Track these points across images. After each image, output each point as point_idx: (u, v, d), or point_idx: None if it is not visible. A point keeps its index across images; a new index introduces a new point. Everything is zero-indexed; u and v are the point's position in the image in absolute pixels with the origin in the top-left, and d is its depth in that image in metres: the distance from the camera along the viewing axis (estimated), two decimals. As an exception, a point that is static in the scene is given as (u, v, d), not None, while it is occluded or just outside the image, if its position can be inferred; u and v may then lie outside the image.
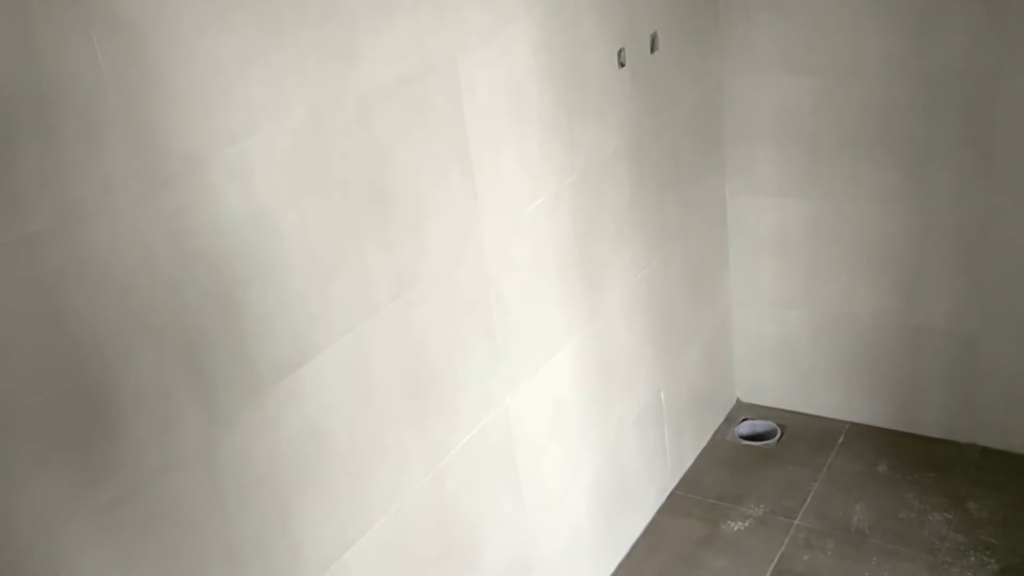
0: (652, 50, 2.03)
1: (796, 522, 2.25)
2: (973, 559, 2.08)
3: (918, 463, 2.38)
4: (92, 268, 1.03)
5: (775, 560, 2.15)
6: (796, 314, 2.51)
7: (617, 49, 1.91)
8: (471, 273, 1.60)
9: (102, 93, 1.01)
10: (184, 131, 1.10)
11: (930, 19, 2.06)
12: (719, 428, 2.62)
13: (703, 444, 2.55)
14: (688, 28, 2.17)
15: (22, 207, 0.96)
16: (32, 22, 0.94)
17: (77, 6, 0.98)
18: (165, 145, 1.08)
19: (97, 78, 1.00)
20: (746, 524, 2.27)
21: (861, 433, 2.52)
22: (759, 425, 2.61)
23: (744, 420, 2.63)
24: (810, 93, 2.26)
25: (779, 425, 2.59)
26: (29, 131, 0.96)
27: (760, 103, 2.33)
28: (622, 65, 1.93)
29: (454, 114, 1.51)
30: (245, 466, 1.23)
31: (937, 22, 2.06)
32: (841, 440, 2.51)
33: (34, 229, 0.97)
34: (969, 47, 2.04)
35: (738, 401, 2.71)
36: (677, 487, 2.41)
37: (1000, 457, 2.36)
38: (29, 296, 0.98)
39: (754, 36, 2.27)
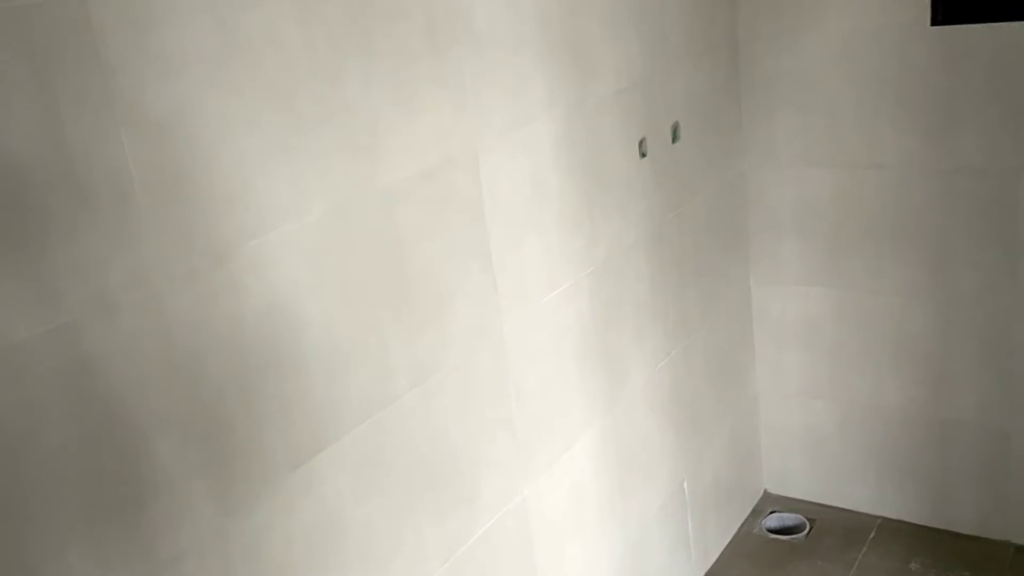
0: (674, 140, 2.06)
1: (825, 621, 2.19)
2: (1009, 664, 2.00)
3: (951, 561, 2.32)
4: (114, 358, 1.06)
5: (803, 661, 2.09)
6: (823, 404, 2.49)
7: (638, 140, 1.94)
8: (490, 364, 1.61)
9: (130, 191, 1.05)
10: (208, 227, 1.14)
11: (946, 119, 2.09)
12: (745, 521, 2.57)
13: (729, 537, 2.50)
14: (710, 119, 2.21)
15: (52, 299, 0.99)
16: (65, 124, 0.99)
17: (108, 109, 1.03)
18: (190, 240, 1.12)
19: (126, 177, 1.05)
20: (773, 622, 2.21)
21: (892, 529, 2.46)
22: (787, 518, 2.56)
23: (772, 512, 2.58)
24: (832, 186, 2.28)
25: (808, 519, 2.54)
26: (61, 227, 1.00)
27: (783, 194, 2.35)
28: (643, 155, 1.96)
29: (475, 208, 1.54)
30: (259, 555, 1.24)
31: (953, 122, 2.08)
32: (872, 535, 2.45)
33: (62, 321, 1.00)
34: (986, 147, 2.06)
35: (765, 493, 2.67)
36: (702, 582, 2.37)
37: (1035, 556, 2.29)
38: (53, 386, 1.01)
39: (776, 129, 2.31)
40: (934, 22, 2.05)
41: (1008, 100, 2.02)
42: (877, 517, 2.50)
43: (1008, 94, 2.01)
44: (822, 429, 2.52)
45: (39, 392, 0.99)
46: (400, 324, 1.42)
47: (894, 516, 2.48)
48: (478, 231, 1.56)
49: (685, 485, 2.26)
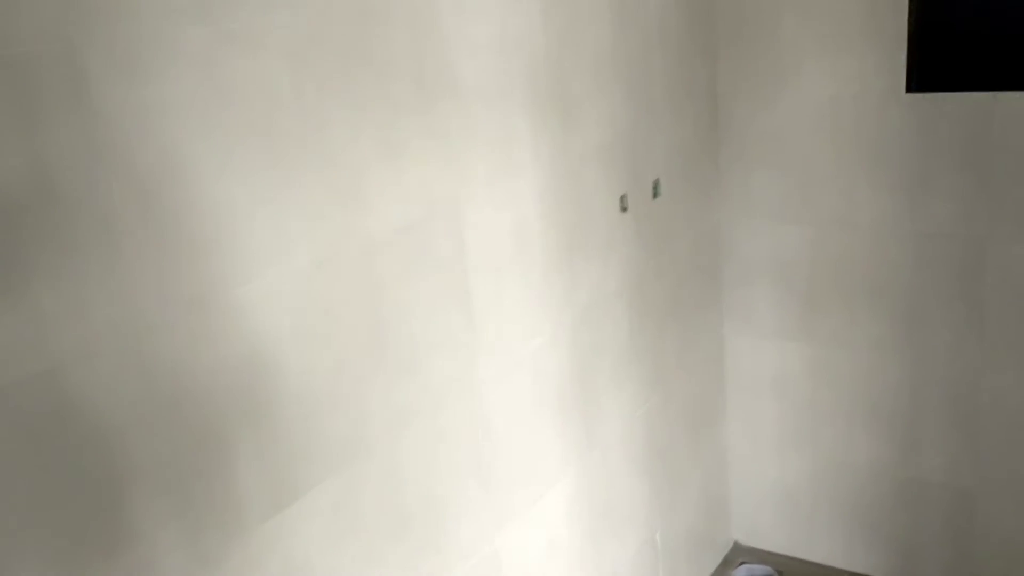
0: (654, 196, 2.09)
1: (791, 676, 2.20)
2: None
3: (917, 618, 2.33)
4: (93, 405, 1.06)
5: None
6: (795, 457, 2.51)
7: (620, 195, 1.97)
8: (467, 412, 1.62)
9: (117, 239, 1.06)
10: (193, 275, 1.15)
11: (919, 183, 2.14)
12: (715, 572, 2.58)
13: (699, 588, 2.51)
14: (689, 173, 2.25)
15: (33, 345, 0.99)
16: (54, 171, 1.00)
17: (98, 158, 1.03)
18: (174, 288, 1.12)
19: (114, 225, 1.05)
20: (740, 676, 2.21)
21: (860, 583, 2.48)
22: (757, 570, 2.57)
23: (741, 564, 2.59)
24: (806, 242, 2.32)
25: (777, 571, 2.54)
26: (46, 273, 1.00)
27: (758, 248, 2.39)
28: (624, 210, 1.99)
29: (457, 257, 1.56)
30: (228, 604, 1.23)
31: (927, 186, 2.13)
32: (840, 590, 2.47)
33: (43, 367, 1.00)
34: (958, 212, 2.11)
35: (735, 544, 2.68)
36: (670, 632, 2.36)
37: (1001, 616, 2.31)
38: (31, 431, 1.00)
39: (753, 185, 2.34)
40: (909, 89, 2.10)
41: (980, 168, 2.06)
42: (845, 571, 2.51)
43: (980, 162, 2.06)
44: (793, 482, 2.53)
45: (15, 437, 0.99)
46: (378, 372, 1.43)
47: (862, 571, 2.50)
48: (459, 280, 1.57)
49: (658, 536, 2.26)
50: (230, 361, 1.20)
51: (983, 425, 2.22)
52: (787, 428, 2.50)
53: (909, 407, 2.31)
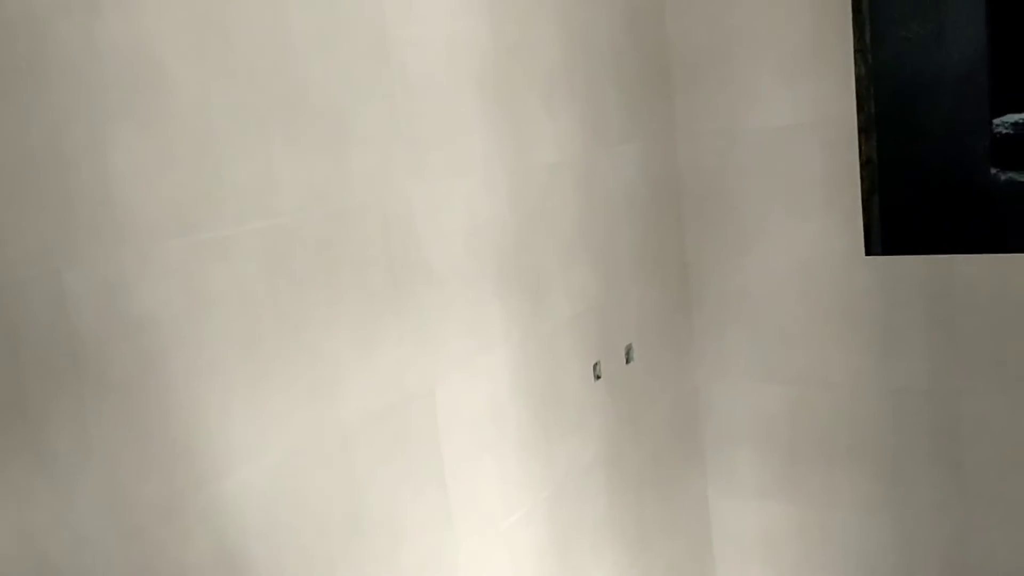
0: (627, 361, 2.12)
1: None
2: None
3: None
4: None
5: None
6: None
7: (593, 363, 1.99)
8: (445, 597, 1.58)
9: (87, 452, 1.06)
10: (161, 479, 1.14)
11: (890, 341, 2.18)
12: None
13: None
14: (663, 337, 2.28)
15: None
16: (30, 394, 1.01)
17: (76, 377, 1.05)
18: (142, 495, 1.12)
19: (85, 440, 1.06)
20: None
21: None
22: None
23: None
24: (784, 401, 2.33)
25: None
26: (10, 488, 0.99)
27: (737, 409, 2.40)
28: (598, 378, 2.01)
29: (431, 440, 1.56)
30: None
31: (897, 344, 2.17)
32: None
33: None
34: (930, 369, 2.15)
35: None
36: None
37: None
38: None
39: (727, 345, 2.38)
40: (868, 252, 2.16)
41: (946, 325, 2.11)
42: None
43: (946, 320, 2.11)
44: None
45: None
46: (355, 565, 1.41)
47: None
48: (434, 462, 1.57)
49: None
50: (197, 564, 1.18)
51: (973, 585, 2.19)
52: (777, 591, 2.45)
53: (900, 569, 2.27)
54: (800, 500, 2.36)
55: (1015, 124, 2.02)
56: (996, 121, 2.02)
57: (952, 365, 2.13)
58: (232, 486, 1.23)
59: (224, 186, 1.22)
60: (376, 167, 1.46)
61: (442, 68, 1.58)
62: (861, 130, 2.12)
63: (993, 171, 2.01)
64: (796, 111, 2.19)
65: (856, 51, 2.06)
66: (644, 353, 2.18)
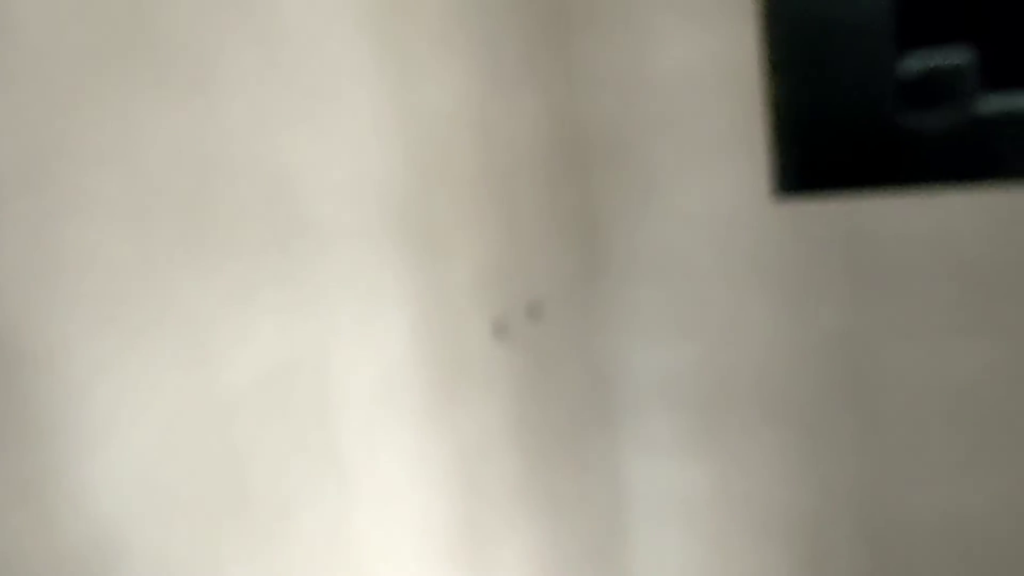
0: (534, 319, 2.03)
1: None
2: None
3: None
4: None
5: None
6: (705, 583, 2.41)
7: (498, 323, 1.90)
8: (343, 570, 1.48)
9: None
10: (22, 458, 1.01)
11: (802, 287, 2.14)
12: None
13: None
14: (570, 296, 2.20)
15: None
16: None
17: None
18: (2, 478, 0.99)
19: None
20: None
21: None
22: None
23: None
24: (696, 358, 2.28)
25: None
26: None
27: (649, 366, 2.34)
28: (502, 337, 1.92)
29: (323, 408, 1.45)
30: None
31: (809, 290, 2.14)
32: None
33: None
34: (844, 315, 2.11)
35: None
36: None
37: None
38: None
39: (636, 303, 2.31)
40: (775, 197, 2.12)
41: (858, 272, 2.08)
42: None
43: (858, 266, 2.08)
44: (706, 608, 2.43)
45: None
46: (241, 542, 1.29)
47: None
48: (326, 430, 1.46)
49: None
50: (67, 547, 1.06)
51: (889, 533, 2.19)
52: (693, 555, 2.41)
53: (816, 522, 2.25)
54: (715, 456, 2.32)
55: (920, 66, 2.00)
56: (901, 63, 2.00)
57: (865, 312, 2.10)
58: (102, 464, 1.10)
59: (78, 137, 1.09)
60: (251, 115, 1.33)
61: (321, 7, 1.46)
62: (766, 70, 2.07)
63: (898, 113, 1.99)
64: (701, 54, 2.12)
65: (760, -10, 2.01)
66: (551, 311, 2.10)
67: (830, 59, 2.03)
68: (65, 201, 1.07)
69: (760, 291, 2.19)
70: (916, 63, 2.01)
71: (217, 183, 1.28)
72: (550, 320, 2.09)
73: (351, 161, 1.52)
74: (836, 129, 2.06)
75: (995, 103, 1.91)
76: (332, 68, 1.48)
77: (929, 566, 2.16)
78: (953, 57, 1.97)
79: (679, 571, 2.43)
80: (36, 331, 1.04)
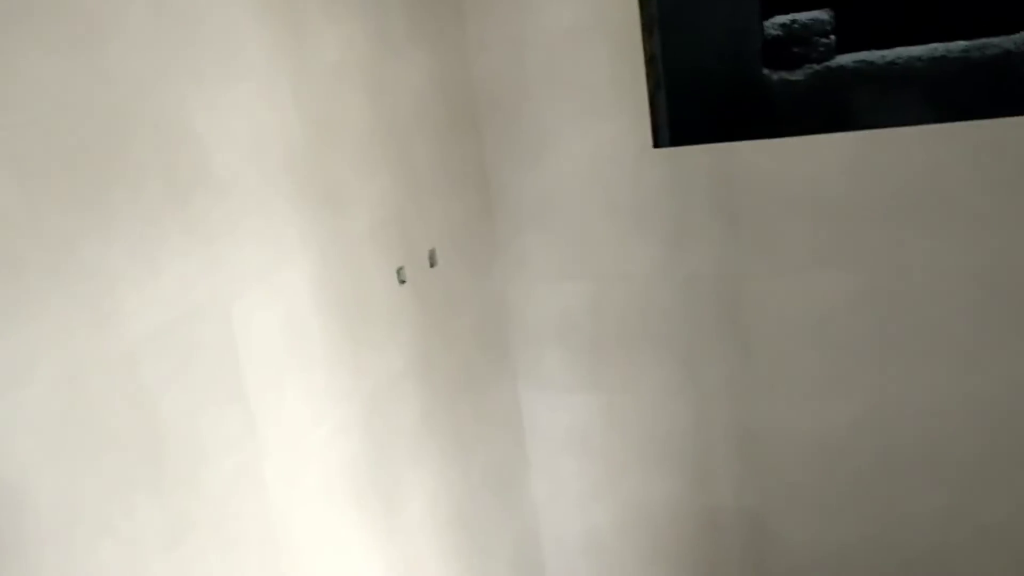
0: (432, 265, 2.11)
1: None
2: None
3: (729, 644, 2.43)
4: None
5: None
6: (600, 508, 2.57)
7: (396, 268, 1.98)
8: (255, 515, 1.55)
9: None
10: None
11: (679, 231, 2.28)
12: (537, 631, 2.59)
13: (522, 652, 2.50)
14: (466, 245, 2.29)
15: None
16: None
17: None
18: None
19: None
20: None
21: (674, 619, 2.56)
22: (577, 622, 2.60)
23: (562, 619, 2.61)
24: (585, 297, 2.41)
25: (596, 621, 2.59)
26: None
27: (541, 308, 2.46)
28: (403, 282, 1.99)
29: (229, 357, 1.50)
30: None
31: (686, 233, 2.28)
32: (656, 629, 2.54)
33: None
34: (715, 256, 2.27)
35: (554, 600, 2.70)
36: None
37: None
38: None
39: (529, 247, 2.42)
40: (656, 145, 2.24)
41: (730, 211, 2.23)
42: (659, 609, 2.59)
43: (729, 206, 2.23)
44: (601, 532, 2.59)
45: None
46: (152, 487, 1.35)
47: (674, 605, 2.59)
48: (234, 380, 1.51)
49: (473, 607, 2.25)
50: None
51: (762, 448, 2.38)
52: (588, 479, 2.56)
53: (697, 442, 2.43)
54: (605, 390, 2.47)
55: (782, 26, 2.14)
56: (766, 23, 2.13)
57: (737, 250, 2.26)
58: (2, 417, 1.14)
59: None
60: (147, 70, 1.36)
61: (210, -38, 1.48)
62: (644, 28, 2.17)
63: (765, 70, 2.12)
64: (587, 13, 2.21)
65: (635, -52, 2.10)
66: (448, 259, 2.18)
67: (701, 20, 2.15)
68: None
69: (642, 234, 2.32)
70: (780, 23, 2.15)
71: (115, 136, 1.30)
72: (448, 267, 2.18)
73: (246, 113, 1.56)
74: (708, 84, 2.19)
75: (849, 59, 2.07)
76: (226, 24, 1.51)
77: (797, 476, 2.37)
78: (813, 18, 2.12)
79: (576, 494, 2.58)
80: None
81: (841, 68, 2.07)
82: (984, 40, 1.97)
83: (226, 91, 1.52)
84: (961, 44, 1.99)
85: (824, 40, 2.08)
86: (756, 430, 2.37)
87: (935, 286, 2.13)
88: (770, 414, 2.34)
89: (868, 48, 2.04)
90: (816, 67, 2.10)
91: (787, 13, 2.13)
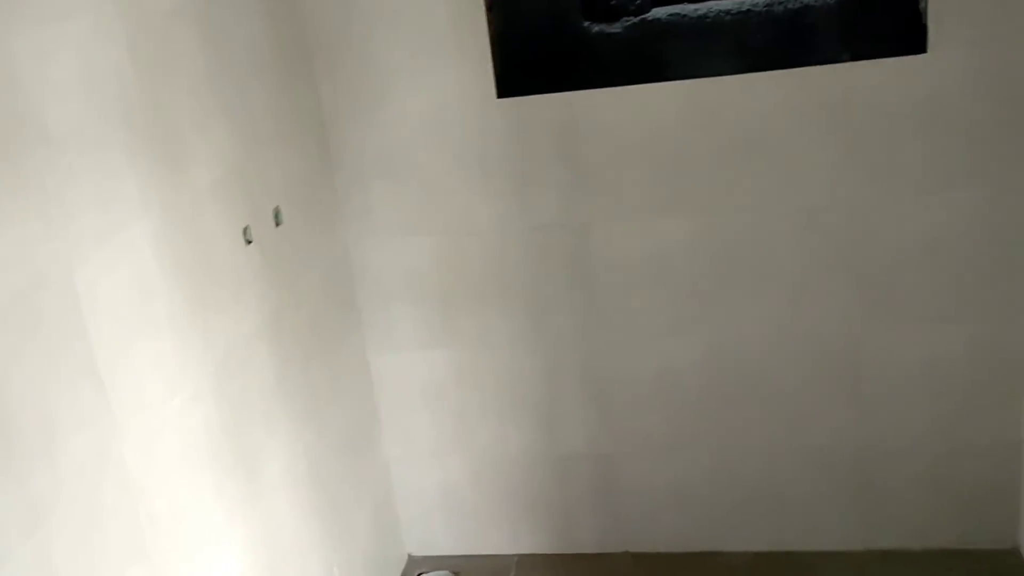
0: (277, 224, 2.04)
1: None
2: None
3: (582, 581, 2.53)
4: None
5: None
6: (453, 461, 2.59)
7: (242, 227, 1.90)
8: (115, 489, 1.46)
9: None
10: None
11: (525, 182, 2.31)
12: (396, 589, 2.59)
13: (383, 609, 2.50)
14: (310, 199, 2.22)
15: None
16: None
17: None
18: None
19: None
20: None
21: (529, 563, 2.62)
22: (434, 576, 2.62)
23: (419, 575, 2.62)
24: (432, 252, 2.40)
25: (454, 572, 2.61)
26: None
27: (388, 264, 2.43)
28: (249, 242, 1.92)
29: (76, 327, 1.40)
30: None
31: (531, 184, 2.31)
32: (513, 573, 2.59)
33: None
34: (561, 206, 2.32)
35: (410, 557, 2.71)
36: (364, 662, 2.33)
37: (648, 558, 2.57)
38: None
39: (373, 203, 2.38)
40: (500, 95, 2.25)
41: (573, 162, 2.27)
42: (515, 555, 2.65)
43: (572, 156, 2.27)
44: (455, 485, 2.62)
45: None
46: (2, 469, 1.24)
47: (529, 551, 2.65)
48: (81, 350, 1.41)
49: (336, 569, 2.22)
50: None
51: (610, 393, 2.46)
52: (441, 433, 2.58)
53: (548, 392, 2.49)
54: (456, 345, 2.48)
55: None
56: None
57: (580, 200, 2.31)
58: None
59: None
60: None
61: None
62: (483, -14, 2.16)
63: (586, 23, 2.17)
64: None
65: None
66: (293, 216, 2.11)
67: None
68: None
69: (487, 185, 2.33)
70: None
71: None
72: (293, 224, 2.11)
73: (76, 57, 1.43)
74: (536, 36, 2.22)
75: (664, 12, 2.15)
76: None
77: (643, 417, 2.48)
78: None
79: (430, 449, 2.59)
80: None
81: (657, 21, 2.15)
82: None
83: (54, 31, 1.39)
84: (764, -2, 2.11)
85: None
86: (604, 376, 2.45)
87: (764, 227, 2.26)
88: (617, 359, 2.42)
89: (681, 2, 2.13)
90: (633, 19, 2.17)
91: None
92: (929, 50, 2.05)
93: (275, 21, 2.10)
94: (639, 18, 2.16)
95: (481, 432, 2.56)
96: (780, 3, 2.10)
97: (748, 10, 2.11)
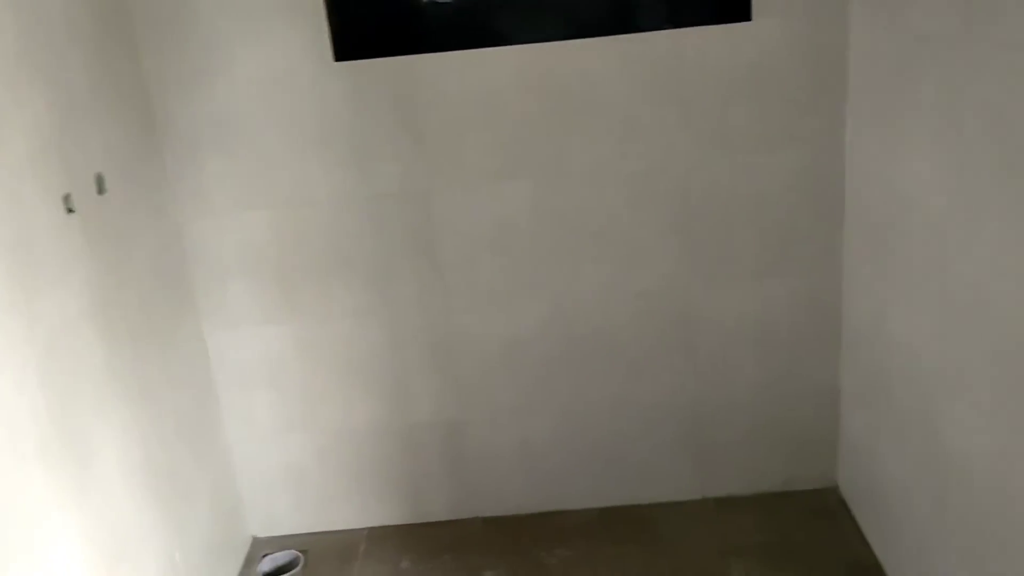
0: (100, 192, 1.91)
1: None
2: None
3: (433, 549, 2.53)
4: None
5: None
6: (298, 438, 2.53)
7: (63, 195, 1.76)
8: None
9: None
10: None
11: (363, 150, 2.27)
12: (241, 572, 2.51)
13: (229, 594, 2.42)
14: (136, 173, 2.10)
15: None
16: None
17: None
18: None
19: None
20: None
21: (380, 536, 2.60)
22: (280, 557, 2.55)
23: (264, 556, 2.55)
24: (269, 226, 2.32)
25: (301, 551, 2.56)
26: None
27: (223, 240, 2.33)
28: (71, 211, 1.78)
29: None
30: None
31: (370, 152, 2.27)
32: (363, 548, 2.57)
33: None
34: (401, 173, 2.29)
35: (254, 539, 2.63)
36: (212, 650, 2.25)
37: (497, 522, 2.61)
38: None
39: (206, 177, 2.27)
40: (337, 58, 2.19)
41: (413, 129, 2.25)
42: (365, 529, 2.62)
43: (412, 123, 2.24)
44: (300, 462, 2.56)
45: None
46: None
47: (379, 524, 2.63)
48: None
49: (177, 556, 2.12)
50: None
51: (456, 360, 2.47)
52: (284, 411, 2.51)
53: (394, 362, 2.46)
54: (297, 319, 2.41)
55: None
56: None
57: (421, 167, 2.28)
58: None
59: None
60: None
61: None
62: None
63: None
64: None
65: None
66: (118, 187, 1.98)
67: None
68: None
69: (324, 154, 2.27)
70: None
71: None
72: (118, 194, 1.98)
73: None
74: (373, 4, 2.17)
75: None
76: None
77: (489, 382, 2.50)
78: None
79: (271, 428, 2.52)
80: None
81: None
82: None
83: None
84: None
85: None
86: (449, 343, 2.45)
87: (600, 191, 2.32)
88: (461, 325, 2.43)
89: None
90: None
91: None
92: (754, 18, 2.15)
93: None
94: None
95: (325, 407, 2.51)
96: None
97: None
